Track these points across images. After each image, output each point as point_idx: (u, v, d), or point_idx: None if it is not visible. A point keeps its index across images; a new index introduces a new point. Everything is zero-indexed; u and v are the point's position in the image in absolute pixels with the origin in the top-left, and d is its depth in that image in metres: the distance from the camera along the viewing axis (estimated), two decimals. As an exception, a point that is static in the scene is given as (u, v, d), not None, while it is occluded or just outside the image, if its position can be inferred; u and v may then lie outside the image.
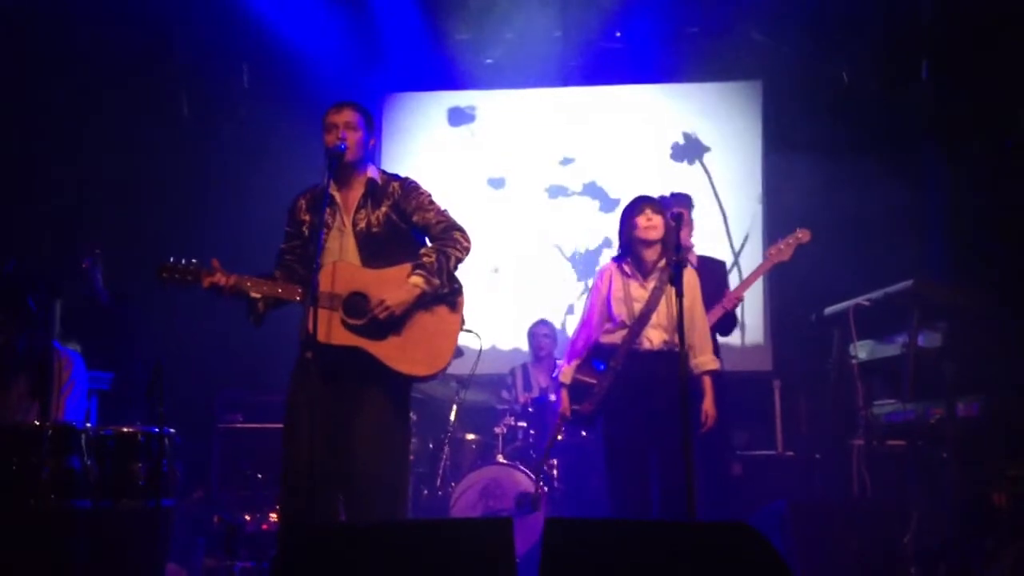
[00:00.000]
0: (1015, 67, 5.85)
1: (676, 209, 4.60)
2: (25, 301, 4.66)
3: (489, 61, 7.94)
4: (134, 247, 6.35)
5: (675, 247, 4.16)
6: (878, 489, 4.78)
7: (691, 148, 7.96)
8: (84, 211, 6.96)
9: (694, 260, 5.76)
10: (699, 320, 4.76)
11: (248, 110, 7.80)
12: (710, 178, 7.90)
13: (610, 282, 4.80)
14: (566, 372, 4.83)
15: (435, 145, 8.19)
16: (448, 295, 4.04)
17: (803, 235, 5.48)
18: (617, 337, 4.69)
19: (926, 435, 4.57)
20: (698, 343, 4.72)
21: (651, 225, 4.65)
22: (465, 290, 4.13)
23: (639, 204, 4.72)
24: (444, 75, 8.03)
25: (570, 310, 7.83)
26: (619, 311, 4.72)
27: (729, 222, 7.87)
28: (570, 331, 7.59)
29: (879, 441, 4.83)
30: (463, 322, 4.10)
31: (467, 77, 7.97)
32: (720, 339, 5.54)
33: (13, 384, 4.92)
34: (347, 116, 4.05)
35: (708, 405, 4.68)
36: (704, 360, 4.73)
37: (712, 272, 5.73)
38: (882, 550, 4.48)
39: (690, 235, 5.72)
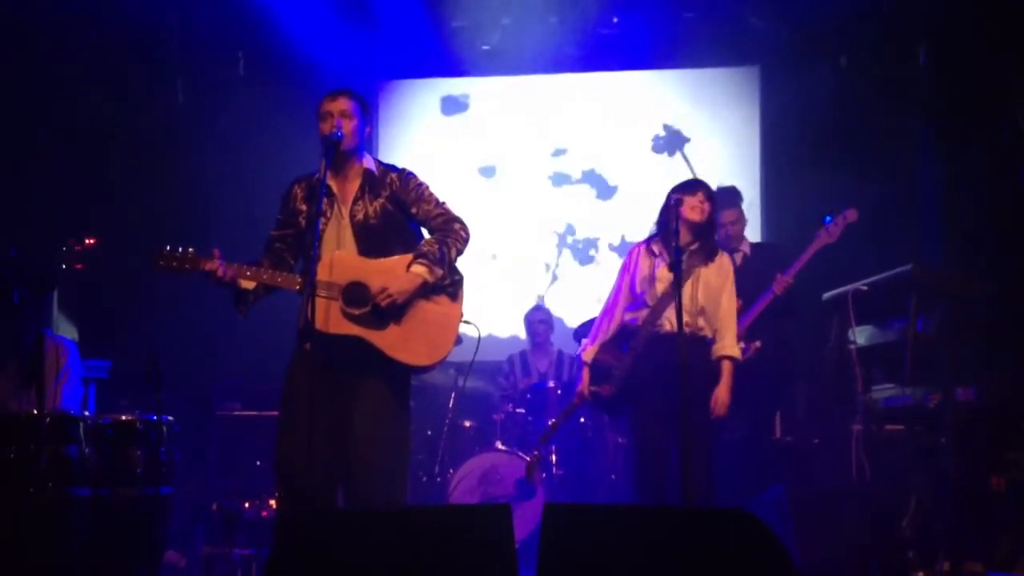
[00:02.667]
0: (1014, 54, 5.84)
1: (676, 195, 4.61)
2: (9, 294, 4.62)
3: (486, 47, 7.90)
4: (129, 235, 6.32)
5: (674, 232, 4.14)
6: (877, 474, 4.77)
7: (687, 134, 7.93)
8: (79, 199, 6.94)
9: (747, 249, 5.78)
10: (725, 306, 4.72)
11: (244, 98, 7.77)
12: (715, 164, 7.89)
13: (636, 261, 4.76)
14: (589, 351, 4.79)
15: (431, 132, 8.15)
16: (449, 286, 4.03)
17: (851, 215, 5.46)
18: (639, 317, 4.67)
19: (925, 420, 4.57)
20: (721, 328, 4.70)
21: (698, 207, 4.63)
22: (465, 280, 4.12)
23: (695, 185, 4.74)
24: (440, 62, 8.00)
25: (566, 297, 7.82)
26: (643, 291, 4.69)
27: (726, 209, 7.82)
28: (566, 318, 7.60)
29: (878, 426, 4.82)
30: (463, 313, 4.08)
31: (463, 64, 7.95)
32: None
33: (6, 373, 4.92)
34: (342, 104, 4.01)
35: (722, 391, 4.63)
36: (723, 345, 4.69)
37: (766, 257, 5.75)
38: (880, 534, 4.49)
39: (743, 227, 5.88)
